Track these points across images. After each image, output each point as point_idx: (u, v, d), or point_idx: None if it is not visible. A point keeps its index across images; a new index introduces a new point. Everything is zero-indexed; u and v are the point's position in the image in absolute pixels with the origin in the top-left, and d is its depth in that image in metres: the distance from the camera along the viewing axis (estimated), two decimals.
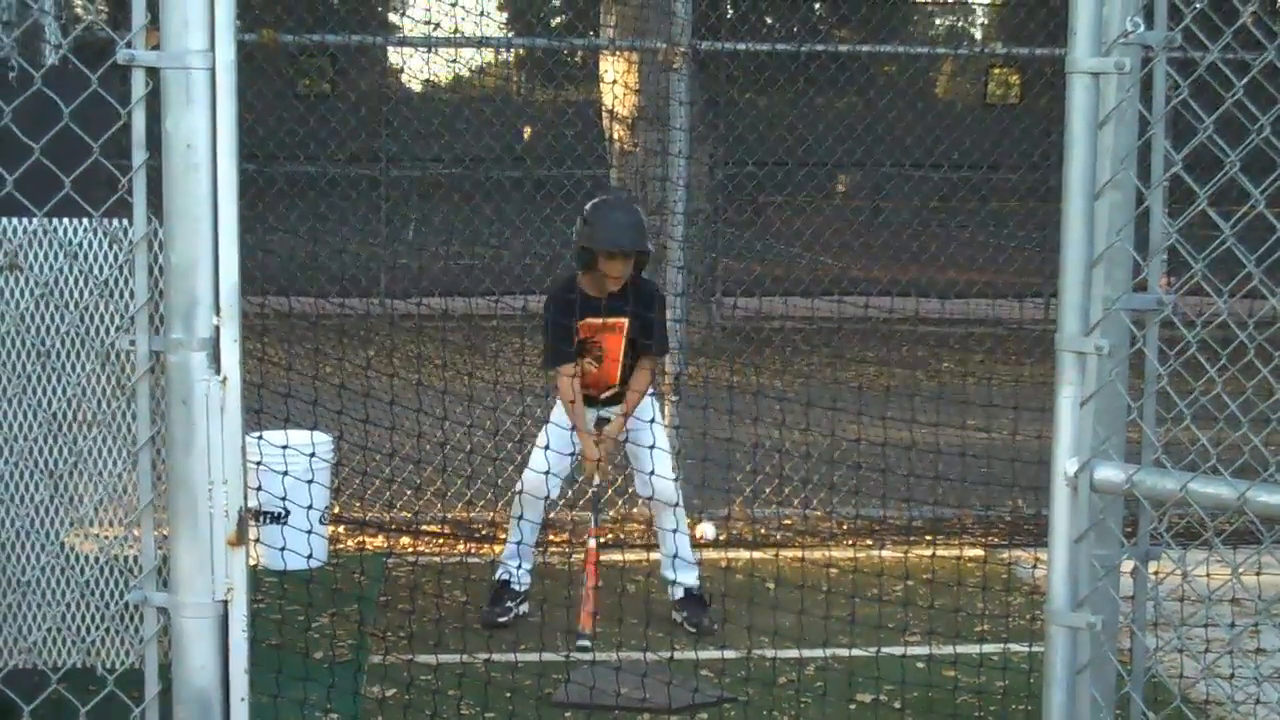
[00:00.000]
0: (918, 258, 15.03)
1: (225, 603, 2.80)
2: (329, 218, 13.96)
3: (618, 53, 10.70)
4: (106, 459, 5.34)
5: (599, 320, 6.51)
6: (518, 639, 6.39)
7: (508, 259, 13.93)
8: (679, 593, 6.69)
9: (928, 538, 8.22)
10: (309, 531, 6.78)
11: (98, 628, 5.45)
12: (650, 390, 6.69)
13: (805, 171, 13.59)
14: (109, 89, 2.95)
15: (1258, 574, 5.65)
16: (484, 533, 8.08)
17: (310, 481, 6.82)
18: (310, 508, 6.82)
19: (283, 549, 6.74)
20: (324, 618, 6.51)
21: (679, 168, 8.12)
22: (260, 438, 7.10)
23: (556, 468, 6.53)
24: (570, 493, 7.92)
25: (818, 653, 6.19)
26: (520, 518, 6.65)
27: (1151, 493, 2.78)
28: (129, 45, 2.71)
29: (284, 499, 6.82)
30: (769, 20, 17.69)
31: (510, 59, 18.64)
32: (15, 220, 5.25)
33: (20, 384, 5.29)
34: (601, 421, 6.67)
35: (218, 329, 2.75)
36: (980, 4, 23.73)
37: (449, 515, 8.29)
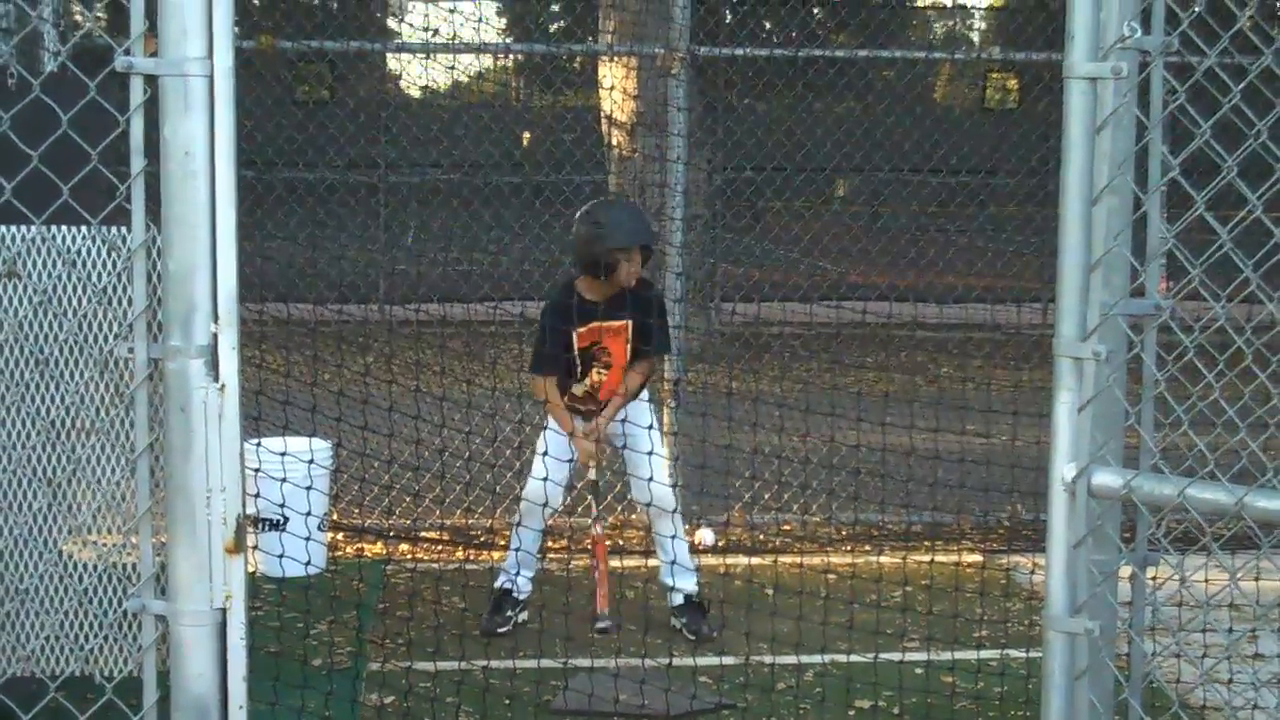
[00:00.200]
0: (916, 263, 15.02)
1: (223, 610, 2.80)
2: (328, 224, 13.94)
3: (616, 58, 10.70)
4: (105, 466, 5.34)
5: (599, 324, 6.51)
6: (516, 646, 6.38)
7: (506, 265, 13.93)
8: (678, 599, 6.69)
9: (926, 543, 8.22)
10: (307, 538, 6.77)
11: (96, 635, 5.45)
12: (647, 396, 6.69)
13: (804, 177, 13.58)
14: (107, 96, 2.95)
15: (1256, 579, 5.65)
16: (482, 539, 8.08)
17: (309, 488, 6.82)
18: (309, 515, 6.82)
19: (281, 556, 6.74)
20: (322, 625, 6.51)
21: (677, 173, 8.12)
22: (259, 444, 7.09)
23: (556, 475, 6.53)
24: (570, 499, 7.91)
25: (816, 659, 6.18)
26: (520, 525, 6.65)
27: (1149, 498, 2.78)
28: (127, 53, 2.72)
29: (282, 506, 6.82)
30: (767, 25, 17.71)
31: (509, 65, 18.65)
32: (14, 228, 5.26)
33: (19, 392, 5.29)
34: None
35: (216, 336, 2.75)
36: (978, 8, 23.75)
37: (447, 522, 8.29)
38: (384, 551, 7.95)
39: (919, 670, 6.09)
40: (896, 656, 6.13)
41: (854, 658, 6.10)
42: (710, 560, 7.46)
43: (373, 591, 7.08)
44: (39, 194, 3.08)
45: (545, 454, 6.56)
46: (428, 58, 9.45)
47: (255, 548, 7.09)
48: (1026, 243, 15.58)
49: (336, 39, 9.80)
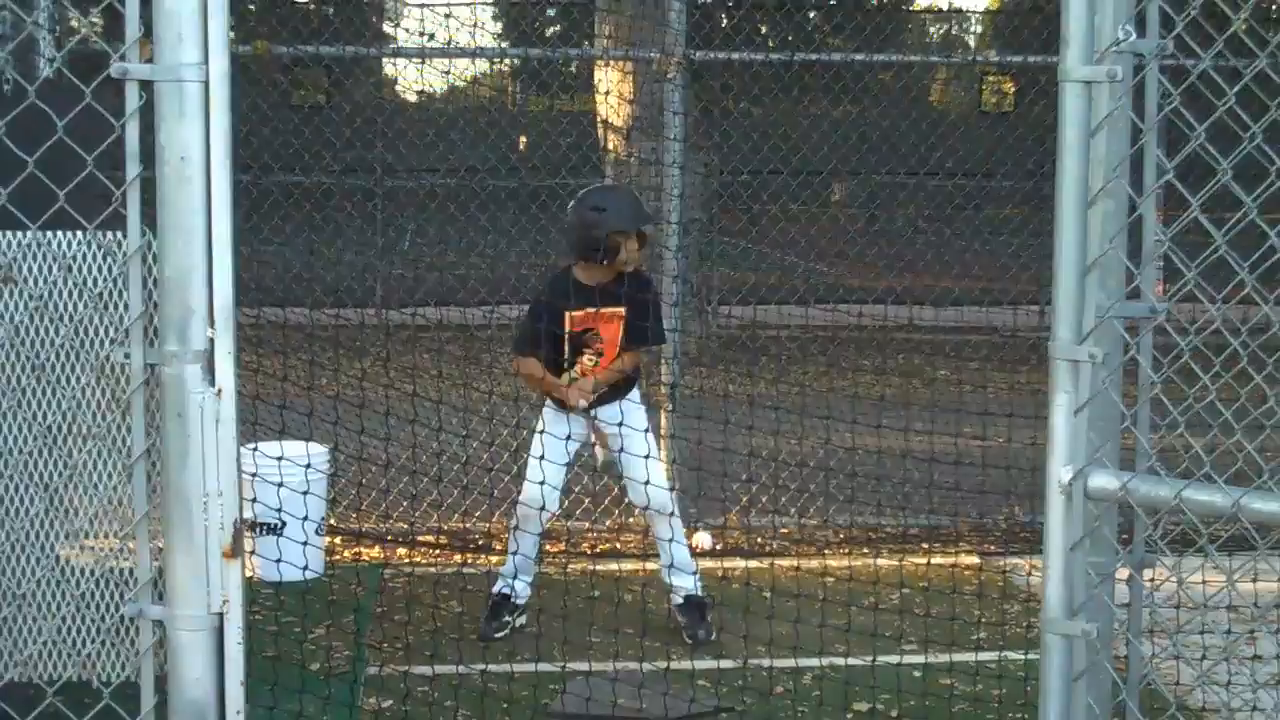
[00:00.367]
0: (913, 265, 15.04)
1: (221, 615, 2.80)
2: (324, 229, 13.95)
3: (612, 63, 10.71)
4: (102, 472, 5.34)
5: (595, 310, 6.50)
6: (514, 650, 6.38)
7: (503, 269, 13.93)
8: (677, 599, 6.69)
9: (924, 546, 8.23)
10: (305, 543, 6.77)
11: (93, 640, 5.45)
12: (637, 399, 6.68)
13: (800, 180, 13.58)
14: (103, 102, 2.95)
15: (1253, 580, 5.65)
16: (480, 543, 8.08)
17: (306, 493, 6.82)
18: (306, 519, 6.81)
19: (279, 561, 6.74)
20: (320, 629, 6.51)
21: (674, 177, 8.13)
22: (256, 449, 7.10)
23: (552, 478, 6.53)
24: (567, 502, 7.91)
25: (814, 662, 6.18)
26: (518, 529, 6.65)
27: (1146, 500, 2.79)
28: (123, 58, 2.72)
29: (280, 511, 6.81)
30: (763, 29, 17.71)
31: (505, 69, 18.67)
32: (9, 233, 5.26)
33: (15, 397, 5.28)
34: (594, 425, 6.67)
35: (212, 341, 2.75)
36: (974, 12, 23.78)
37: (445, 526, 8.29)
38: (381, 556, 7.95)
39: (917, 673, 6.09)
40: (894, 659, 6.14)
41: (852, 660, 6.10)
42: (708, 563, 7.46)
43: (370, 596, 7.08)
44: (35, 199, 3.08)
45: (541, 457, 6.55)
46: (424, 62, 9.45)
47: (253, 552, 7.09)
48: (1023, 245, 15.59)
49: (332, 44, 9.80)
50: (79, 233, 5.26)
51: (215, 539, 2.78)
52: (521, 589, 6.70)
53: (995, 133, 15.34)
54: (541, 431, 6.65)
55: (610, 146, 11.84)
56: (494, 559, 7.59)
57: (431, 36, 8.86)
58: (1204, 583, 5.25)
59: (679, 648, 6.48)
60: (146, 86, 2.72)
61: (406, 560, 7.85)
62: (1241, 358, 3.16)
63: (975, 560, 7.83)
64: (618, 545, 8.17)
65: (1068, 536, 2.84)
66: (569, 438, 6.53)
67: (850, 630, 6.36)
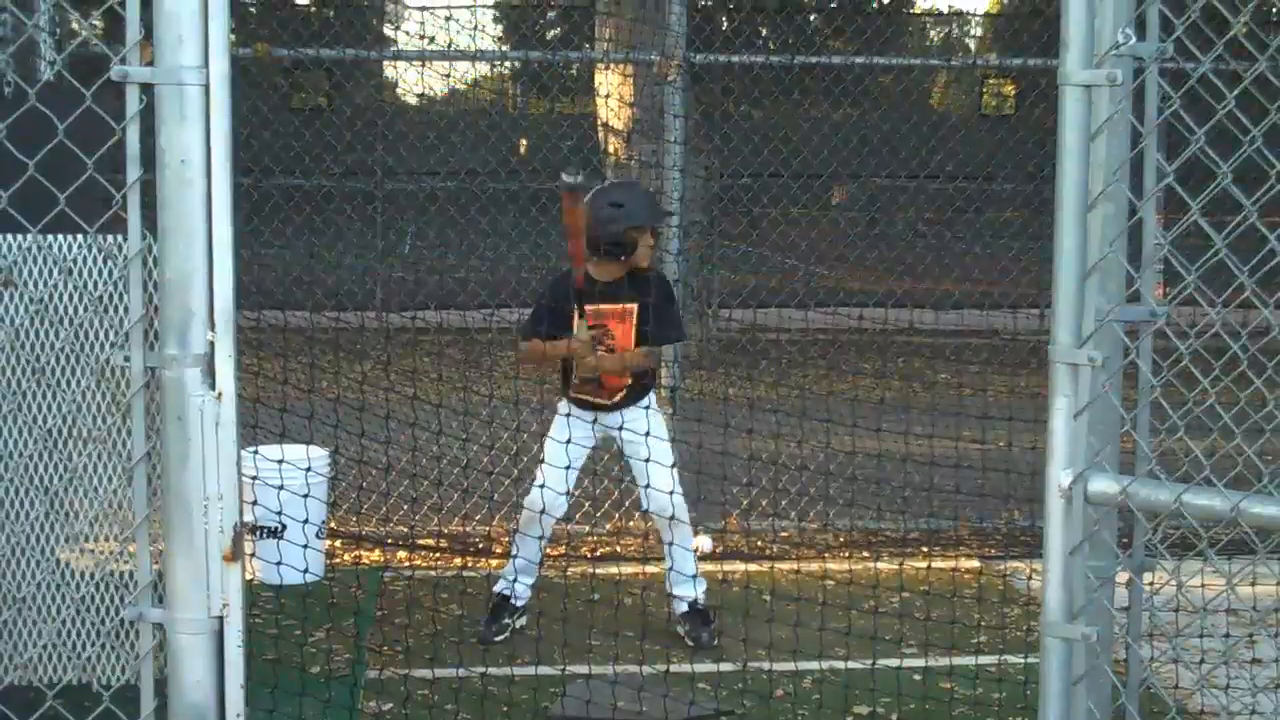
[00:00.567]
0: (913, 269, 15.05)
1: (221, 618, 2.80)
2: (324, 232, 13.96)
3: (612, 66, 10.71)
4: (102, 475, 5.34)
5: (605, 306, 6.47)
6: (514, 653, 6.38)
7: (503, 272, 13.94)
8: (680, 606, 6.69)
9: (924, 549, 8.22)
10: (305, 546, 6.77)
11: (93, 644, 5.45)
12: (649, 405, 6.67)
13: (800, 183, 13.59)
14: (104, 105, 2.95)
15: (1253, 584, 5.65)
16: (480, 546, 8.08)
17: (306, 496, 6.82)
18: (306, 522, 6.81)
19: (279, 564, 6.74)
20: (320, 632, 6.51)
21: (674, 180, 8.13)
22: (256, 453, 7.10)
23: (556, 483, 6.51)
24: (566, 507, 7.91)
25: (814, 665, 6.18)
26: (520, 532, 6.65)
27: (1145, 504, 2.79)
28: (123, 61, 2.72)
29: (280, 514, 6.81)
30: (763, 32, 17.73)
31: (505, 72, 18.68)
32: (10, 236, 5.26)
33: (15, 400, 5.29)
34: (602, 435, 6.67)
35: (213, 344, 2.75)
36: (974, 15, 23.79)
37: (445, 530, 8.29)
38: (382, 559, 7.94)
39: (917, 676, 6.09)
40: (894, 662, 6.13)
41: (852, 664, 6.10)
42: (708, 567, 7.45)
43: (370, 599, 7.08)
44: (35, 202, 3.08)
45: (543, 461, 6.55)
46: (424, 65, 9.45)
47: (253, 555, 7.09)
48: (1024, 249, 15.60)
49: (333, 47, 9.81)
50: (79, 236, 5.26)
51: (215, 542, 2.78)
52: (522, 591, 6.69)
53: (995, 136, 15.34)
54: (550, 436, 6.63)
55: (611, 149, 11.84)
56: (494, 562, 7.59)
57: (432, 39, 8.86)
58: (1203, 586, 5.22)
59: (679, 651, 6.48)
60: (147, 89, 2.73)
61: (406, 563, 7.85)
62: (1241, 361, 3.17)
63: (975, 564, 7.83)
64: (617, 549, 8.17)
65: (1067, 540, 2.85)
66: (570, 441, 6.52)
67: (850, 634, 6.36)
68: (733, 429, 7.64)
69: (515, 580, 6.67)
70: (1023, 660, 6.12)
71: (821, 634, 6.27)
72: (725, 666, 6.24)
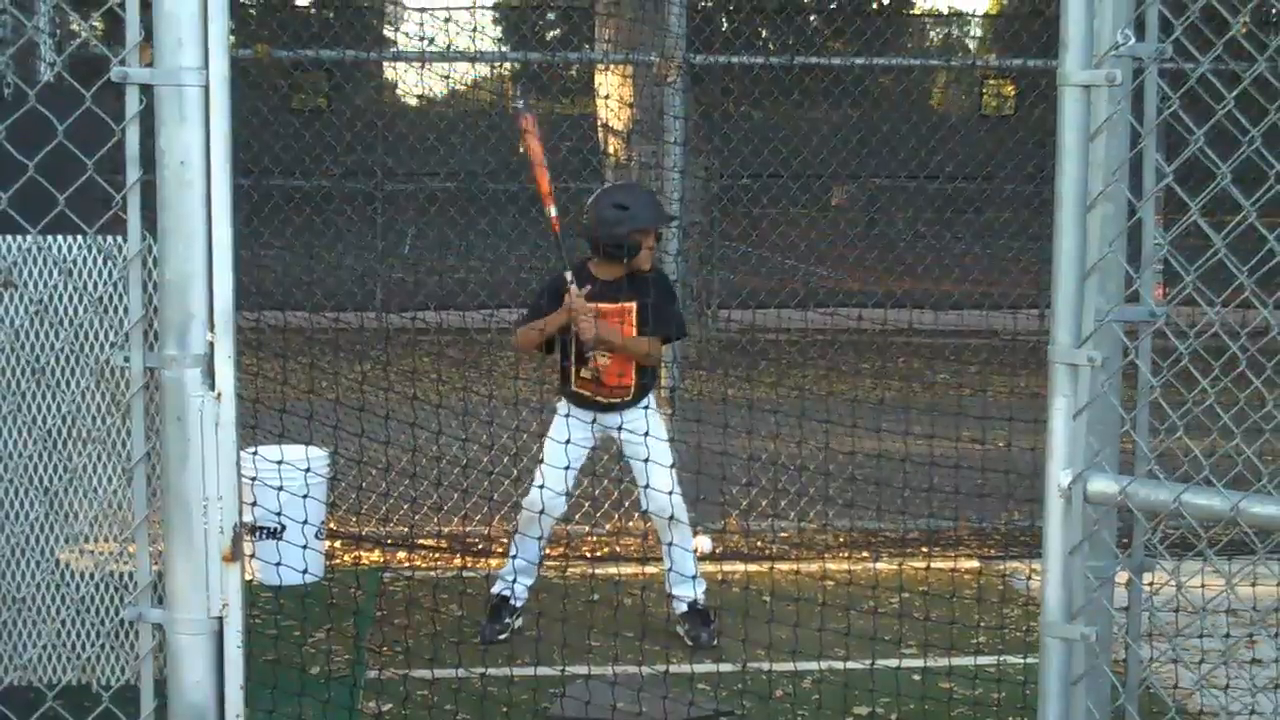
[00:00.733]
0: (912, 269, 15.05)
1: (220, 619, 2.80)
2: (324, 233, 13.97)
3: (612, 67, 10.71)
4: (101, 475, 5.34)
5: (605, 305, 6.48)
6: (514, 653, 6.38)
7: (503, 273, 13.95)
8: (680, 606, 6.69)
9: (923, 550, 8.23)
10: (305, 547, 6.77)
11: (93, 644, 5.45)
12: (647, 404, 6.67)
13: (800, 184, 13.60)
14: (103, 106, 2.95)
15: (1253, 584, 5.65)
16: (480, 547, 8.08)
17: (306, 496, 6.82)
18: (306, 523, 6.81)
19: (278, 564, 6.74)
20: (320, 633, 6.51)
21: (674, 181, 8.13)
22: (255, 453, 7.10)
23: (556, 483, 6.52)
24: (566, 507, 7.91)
25: (813, 665, 6.18)
26: (519, 533, 6.65)
27: (1145, 504, 2.79)
28: (123, 62, 2.72)
29: (279, 514, 6.81)
30: (763, 33, 17.73)
31: (505, 73, 18.66)
32: (10, 237, 5.26)
33: (15, 401, 5.29)
34: (601, 435, 6.67)
35: (212, 345, 2.75)
36: (974, 16, 23.80)
37: (445, 530, 8.29)
38: (381, 559, 7.95)
39: (916, 676, 6.09)
40: (894, 663, 6.13)
41: (851, 664, 6.10)
42: (707, 567, 7.45)
43: (370, 599, 7.08)
44: (35, 203, 3.08)
45: (543, 462, 6.55)
46: (424, 66, 9.44)
47: (253, 556, 7.09)
48: (1023, 249, 15.61)
49: (333, 48, 9.81)
50: (79, 237, 5.26)
51: (215, 543, 2.78)
52: (520, 591, 6.70)
53: (995, 136, 15.35)
54: (550, 437, 6.63)
55: (610, 150, 11.83)
56: (494, 562, 7.59)
57: (431, 41, 8.85)
58: (1203, 586, 5.23)
59: (678, 651, 6.48)
60: (147, 91, 2.73)
61: (406, 564, 7.85)
62: (1241, 361, 3.17)
63: (975, 564, 7.83)
64: (617, 549, 8.17)
65: (1067, 540, 2.85)
66: (569, 442, 6.52)
67: (850, 634, 6.36)
68: (732, 429, 7.64)
69: (514, 581, 6.68)
70: (1022, 660, 6.12)
71: (821, 634, 6.28)
72: (725, 667, 6.24)
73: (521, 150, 6.60)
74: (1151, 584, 3.29)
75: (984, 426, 8.47)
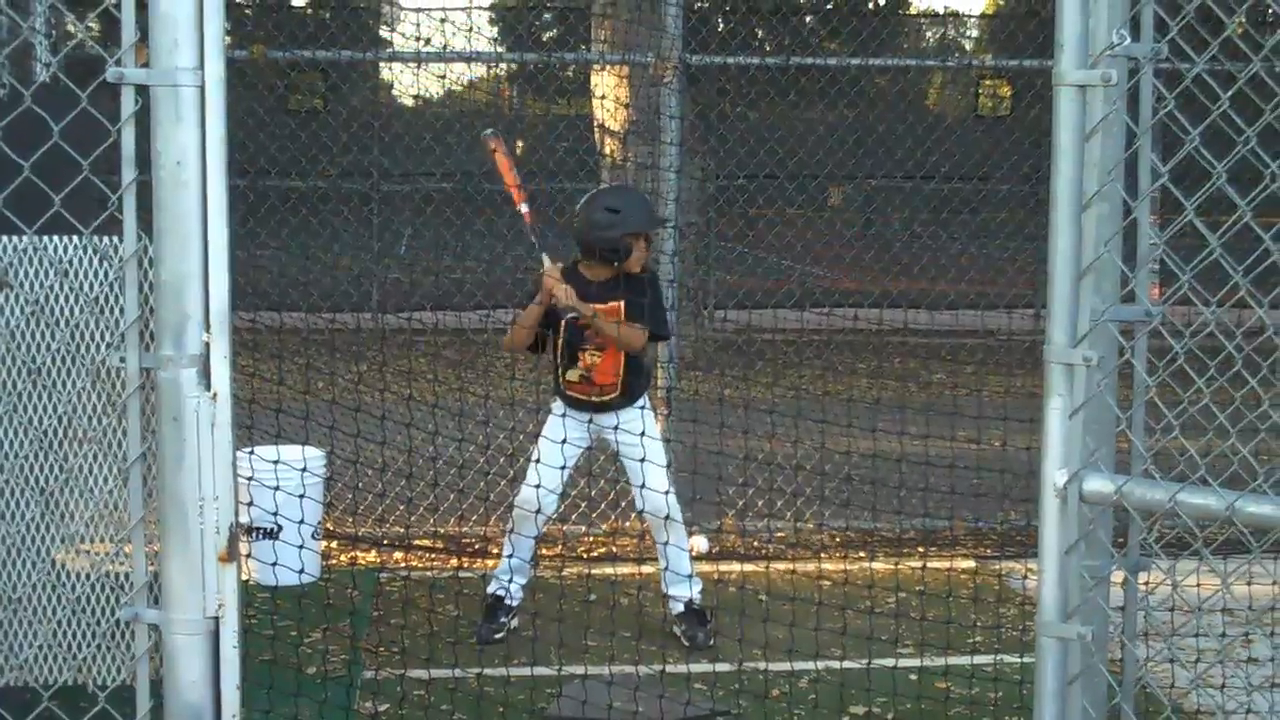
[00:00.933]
0: (908, 269, 15.05)
1: (217, 619, 2.80)
2: (320, 233, 13.96)
3: (608, 67, 10.70)
4: (97, 476, 5.34)
5: (596, 306, 6.48)
6: (510, 653, 6.38)
7: (499, 273, 13.93)
8: (676, 606, 6.69)
9: (919, 549, 8.23)
10: (301, 547, 6.77)
11: (89, 644, 5.45)
12: (642, 404, 6.67)
13: (796, 184, 13.60)
14: (99, 106, 2.96)
15: (1248, 583, 5.66)
16: (476, 547, 8.08)
17: (302, 497, 6.81)
18: (302, 523, 6.81)
19: (275, 565, 6.73)
20: (316, 633, 6.51)
21: (670, 181, 8.13)
22: (251, 453, 7.09)
23: (550, 482, 6.52)
24: (563, 506, 7.91)
25: (810, 665, 6.18)
26: (514, 532, 6.65)
27: (1141, 503, 2.79)
28: (119, 63, 2.72)
29: (276, 514, 6.81)
30: (759, 34, 17.72)
31: (501, 73, 18.67)
32: (5, 238, 5.26)
33: (11, 401, 5.29)
34: (597, 435, 6.67)
35: (208, 345, 2.75)
36: (970, 16, 23.82)
37: (441, 530, 8.29)
38: (378, 559, 7.94)
39: (913, 676, 6.09)
40: (890, 662, 6.14)
41: (848, 664, 6.10)
42: (704, 567, 7.45)
43: (366, 600, 7.07)
44: (31, 204, 3.08)
45: (538, 461, 6.55)
46: (420, 67, 9.44)
47: (249, 556, 7.09)
48: (1019, 249, 15.62)
49: (329, 48, 9.80)
50: (75, 237, 5.26)
51: (211, 543, 2.78)
52: (515, 590, 6.70)
53: (991, 137, 15.35)
54: (542, 436, 6.63)
55: (607, 151, 11.83)
56: (490, 563, 7.59)
57: (428, 41, 8.85)
58: (1199, 586, 5.23)
59: (675, 651, 6.48)
60: (142, 91, 2.73)
61: (402, 564, 7.85)
62: (1236, 361, 3.17)
63: (971, 564, 7.83)
64: (613, 549, 8.17)
65: (1063, 540, 2.85)
66: (565, 441, 6.52)
67: (846, 633, 6.36)
68: (728, 429, 7.64)
69: (510, 580, 6.68)
70: (1018, 660, 6.12)
71: (817, 634, 6.28)
72: (721, 667, 6.24)
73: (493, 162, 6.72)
74: (1147, 583, 3.29)
75: (980, 426, 8.47)
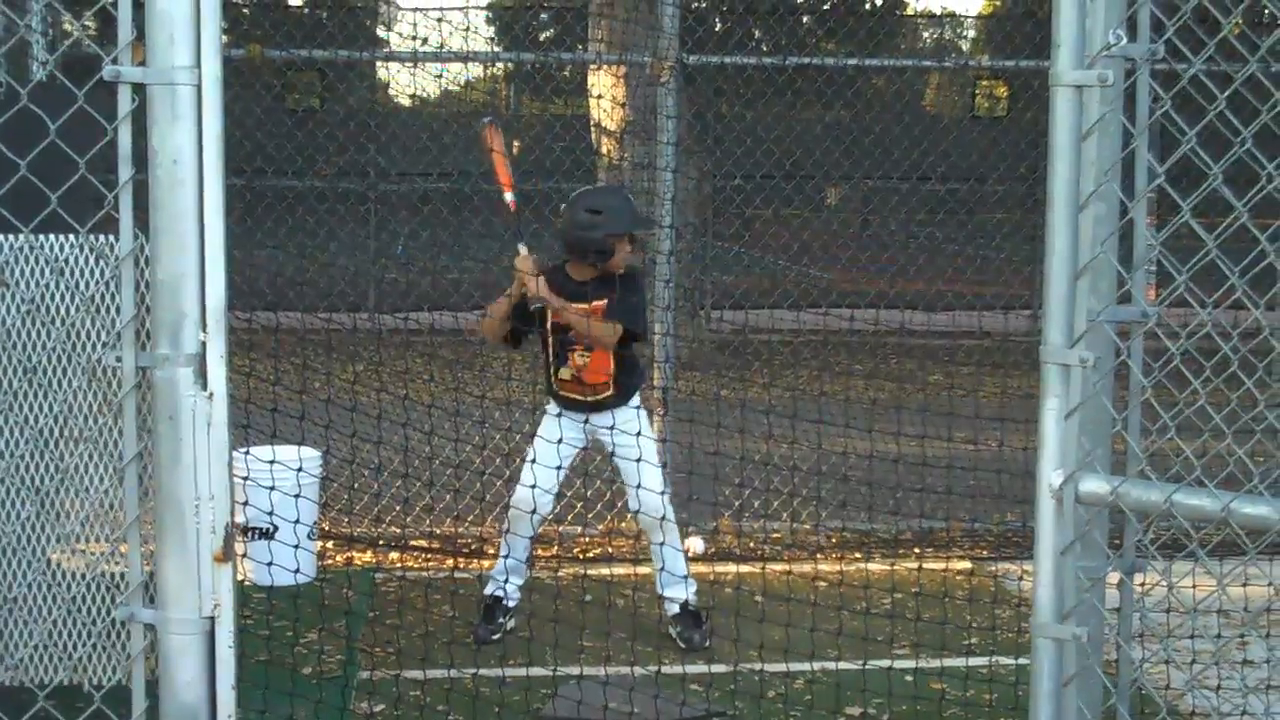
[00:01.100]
0: (905, 270, 15.06)
1: (212, 619, 2.80)
2: (317, 233, 13.96)
3: (605, 67, 10.71)
4: (93, 475, 5.34)
5: (577, 305, 6.48)
6: (506, 654, 6.38)
7: (496, 273, 13.92)
8: (671, 608, 6.68)
9: (915, 550, 8.23)
10: (297, 547, 6.77)
11: (85, 644, 5.45)
12: (637, 404, 6.67)
13: (793, 185, 13.62)
14: (96, 105, 2.95)
15: (1243, 585, 5.66)
16: (472, 548, 8.08)
17: (298, 497, 6.81)
18: (298, 523, 6.81)
19: (270, 564, 6.73)
20: (312, 633, 6.50)
21: (667, 181, 8.13)
22: (247, 453, 7.09)
23: (545, 482, 6.52)
24: (559, 507, 7.91)
25: (805, 666, 6.18)
26: (509, 532, 6.65)
27: (1136, 504, 2.79)
28: (115, 61, 2.72)
29: (271, 514, 6.81)
30: (756, 34, 17.73)
31: (499, 73, 18.67)
32: (2, 236, 5.26)
33: (7, 400, 5.28)
34: (592, 436, 6.67)
35: (204, 345, 2.75)
36: (967, 17, 23.83)
37: (437, 530, 8.29)
38: (373, 560, 7.94)
39: (908, 677, 6.09)
40: (885, 663, 6.14)
41: (843, 665, 6.11)
42: (699, 568, 7.46)
43: (362, 599, 7.07)
44: (27, 202, 3.08)
45: (533, 461, 6.55)
46: (417, 66, 9.45)
47: (244, 556, 7.09)
48: (1016, 250, 15.64)
49: (326, 48, 9.80)
50: (71, 236, 5.26)
51: (206, 543, 2.78)
52: (512, 591, 6.70)
53: (988, 137, 15.37)
54: (537, 436, 6.64)
55: (604, 150, 11.84)
56: (486, 563, 7.59)
57: (425, 40, 8.86)
58: (1194, 587, 5.26)
59: (671, 652, 6.48)
60: (139, 90, 2.73)
61: (398, 564, 7.85)
62: (1232, 362, 3.17)
63: (967, 565, 7.83)
64: (609, 550, 8.17)
65: (1058, 541, 2.85)
66: (561, 441, 6.52)
67: (842, 634, 6.36)
68: (725, 430, 7.64)
69: (506, 580, 6.68)
70: (1014, 661, 6.13)
71: (813, 635, 6.28)
72: (717, 667, 6.24)
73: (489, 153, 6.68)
74: (1143, 584, 3.29)
75: (976, 427, 8.48)
